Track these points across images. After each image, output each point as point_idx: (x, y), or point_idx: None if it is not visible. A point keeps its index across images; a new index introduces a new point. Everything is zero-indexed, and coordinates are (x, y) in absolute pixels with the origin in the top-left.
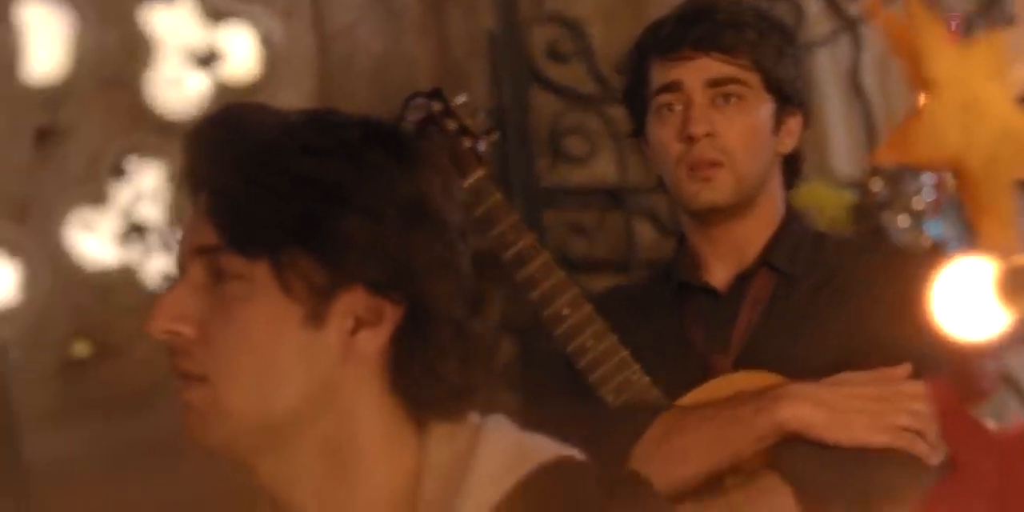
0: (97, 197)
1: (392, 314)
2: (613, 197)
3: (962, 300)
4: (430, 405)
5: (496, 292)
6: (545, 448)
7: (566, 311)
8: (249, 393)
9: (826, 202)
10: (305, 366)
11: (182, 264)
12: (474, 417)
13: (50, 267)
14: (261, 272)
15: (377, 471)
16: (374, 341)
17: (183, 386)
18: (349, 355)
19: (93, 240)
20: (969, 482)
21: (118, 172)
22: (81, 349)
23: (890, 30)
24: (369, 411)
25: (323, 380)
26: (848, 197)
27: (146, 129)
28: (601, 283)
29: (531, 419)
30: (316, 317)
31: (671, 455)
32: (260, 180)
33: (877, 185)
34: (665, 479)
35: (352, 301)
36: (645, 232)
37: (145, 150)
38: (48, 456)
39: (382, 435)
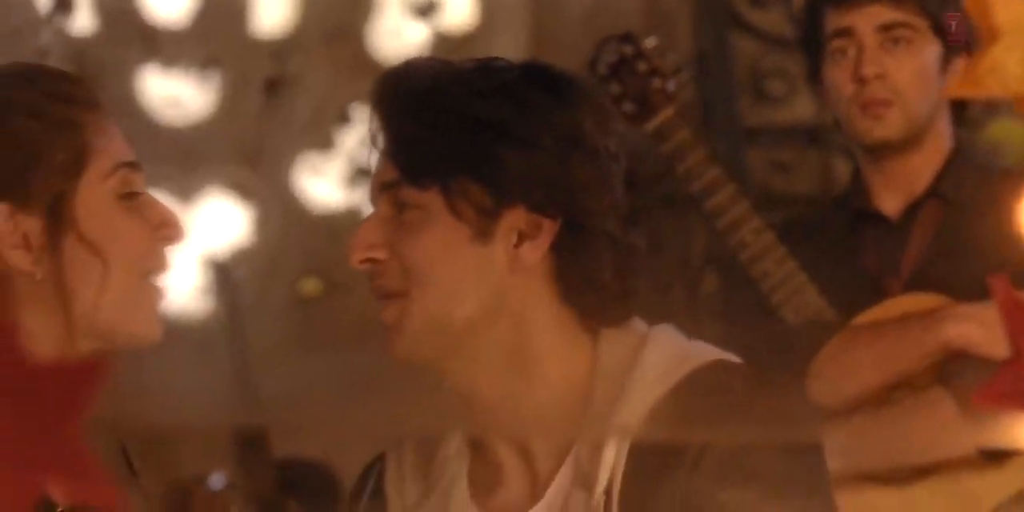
0: (324, 143)
1: (550, 227)
2: (812, 135)
3: None
4: (594, 311)
5: (701, 227)
6: (704, 352)
7: (749, 238)
8: (437, 304)
9: (1016, 138)
10: (477, 278)
11: (372, 200)
12: (641, 325)
13: (281, 209)
14: (434, 200)
15: (553, 371)
16: (535, 252)
17: (382, 306)
18: (515, 266)
19: (321, 183)
20: None
21: (343, 119)
22: (310, 286)
23: None
24: (542, 317)
25: (494, 289)
26: None
27: (369, 78)
28: None
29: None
30: (483, 235)
31: (845, 370)
32: (429, 121)
33: None
34: (839, 392)
35: (514, 219)
36: (842, 168)
37: (368, 98)
38: (280, 387)
39: (556, 339)
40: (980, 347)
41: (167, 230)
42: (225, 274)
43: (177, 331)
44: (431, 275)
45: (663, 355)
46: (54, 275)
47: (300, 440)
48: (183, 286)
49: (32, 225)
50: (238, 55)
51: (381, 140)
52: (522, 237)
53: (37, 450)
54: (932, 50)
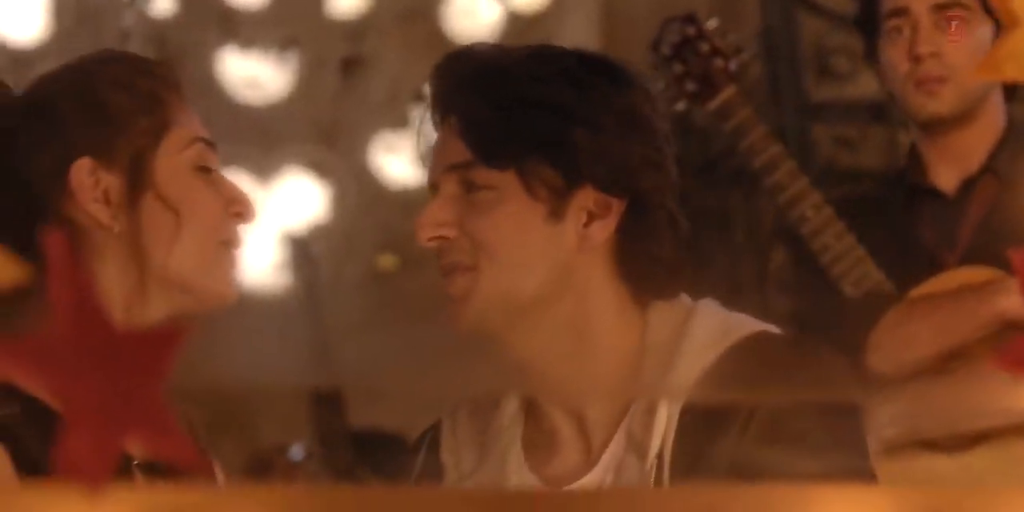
0: (398, 121)
1: (618, 207)
2: (876, 111)
3: None
4: (649, 286)
5: (768, 202)
6: (748, 323)
7: (810, 213)
8: (505, 279)
9: None
10: (548, 255)
11: (433, 181)
12: (687, 299)
13: (357, 187)
14: (509, 180)
15: (608, 343)
16: (604, 231)
17: (449, 281)
18: (583, 244)
19: (396, 161)
20: None
21: (418, 97)
22: (386, 261)
23: None
24: (601, 293)
25: (562, 266)
26: None
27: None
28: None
29: (796, 313)
30: (556, 214)
31: (902, 340)
32: (502, 105)
33: None
34: (896, 361)
35: (584, 198)
36: (907, 143)
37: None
38: (356, 359)
39: (613, 313)
40: None
41: (238, 206)
42: (303, 250)
43: (256, 306)
44: (502, 251)
45: (709, 327)
46: (131, 230)
47: (375, 411)
48: (262, 262)
49: (113, 181)
50: (315, 36)
51: (453, 122)
52: (591, 216)
53: (120, 409)
54: (984, 29)
